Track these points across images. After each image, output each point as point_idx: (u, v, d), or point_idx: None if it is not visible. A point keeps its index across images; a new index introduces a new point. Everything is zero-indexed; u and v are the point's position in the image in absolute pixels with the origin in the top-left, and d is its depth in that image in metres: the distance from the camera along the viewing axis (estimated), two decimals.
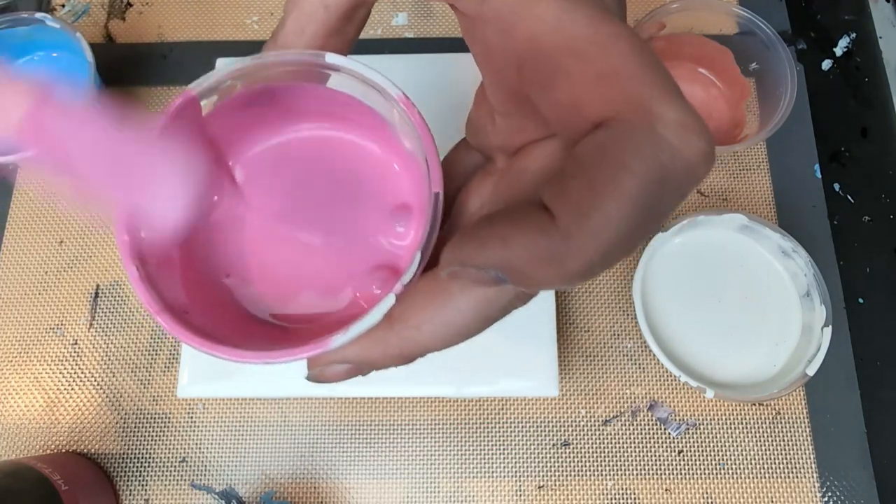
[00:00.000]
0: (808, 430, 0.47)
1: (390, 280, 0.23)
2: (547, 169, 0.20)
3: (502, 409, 0.48)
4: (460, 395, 0.45)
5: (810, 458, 0.46)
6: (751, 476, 0.46)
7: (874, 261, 0.50)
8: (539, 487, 0.46)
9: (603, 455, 0.47)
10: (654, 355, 0.44)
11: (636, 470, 0.46)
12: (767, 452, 0.46)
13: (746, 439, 0.47)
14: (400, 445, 0.47)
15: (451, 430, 0.47)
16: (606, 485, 0.46)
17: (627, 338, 0.49)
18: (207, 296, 0.24)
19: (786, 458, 0.46)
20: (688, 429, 0.47)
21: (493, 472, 0.47)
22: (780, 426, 0.47)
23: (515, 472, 0.47)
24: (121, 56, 0.57)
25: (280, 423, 0.48)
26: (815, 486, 0.46)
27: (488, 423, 0.48)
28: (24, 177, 0.54)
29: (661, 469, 0.46)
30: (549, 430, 0.47)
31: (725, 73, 0.52)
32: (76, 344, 0.50)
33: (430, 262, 0.20)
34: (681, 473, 0.46)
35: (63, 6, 0.58)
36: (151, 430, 0.48)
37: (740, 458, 0.46)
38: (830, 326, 0.44)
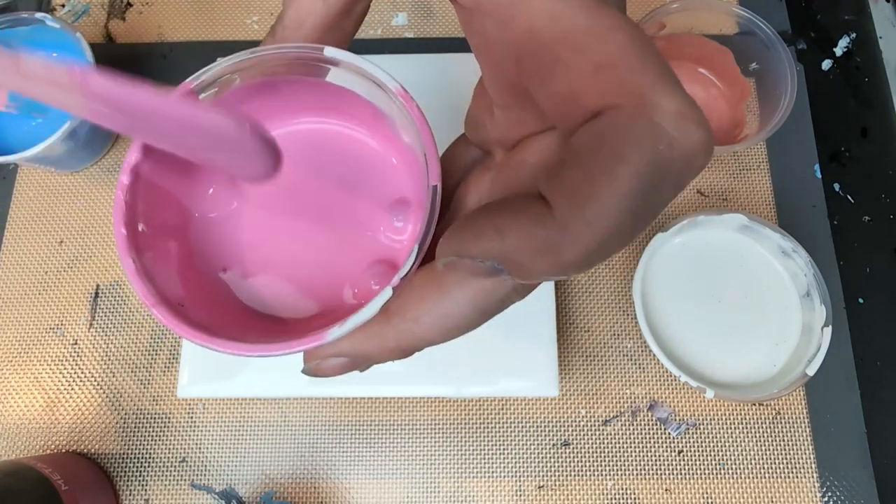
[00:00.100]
0: (808, 430, 0.47)
1: (388, 275, 0.23)
2: (545, 162, 0.20)
3: (502, 409, 0.48)
4: (460, 395, 0.45)
5: (810, 458, 0.46)
6: (751, 476, 0.46)
7: (874, 261, 0.50)
8: (539, 487, 0.46)
9: (603, 455, 0.47)
10: (654, 355, 0.44)
11: (636, 470, 0.46)
12: (767, 452, 0.46)
13: (746, 439, 0.47)
14: (400, 445, 0.47)
15: (451, 430, 0.47)
16: (606, 485, 0.46)
17: (627, 338, 0.49)
18: (204, 290, 0.24)
19: (786, 458, 0.46)
20: (688, 429, 0.47)
21: (493, 472, 0.46)
22: (780, 426, 0.47)
23: (515, 472, 0.46)
24: (121, 56, 0.57)
25: (280, 423, 0.48)
26: (815, 486, 0.46)
27: (488, 423, 0.47)
28: (24, 177, 0.54)
29: (661, 469, 0.46)
30: (549, 430, 0.47)
31: (725, 73, 0.52)
32: (76, 344, 0.50)
33: (428, 256, 0.20)
34: (681, 473, 0.46)
35: (63, 6, 0.58)
36: (151, 430, 0.48)
37: (740, 458, 0.46)
38: (830, 326, 0.44)
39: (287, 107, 0.25)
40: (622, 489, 0.46)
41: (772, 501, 0.45)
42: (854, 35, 0.56)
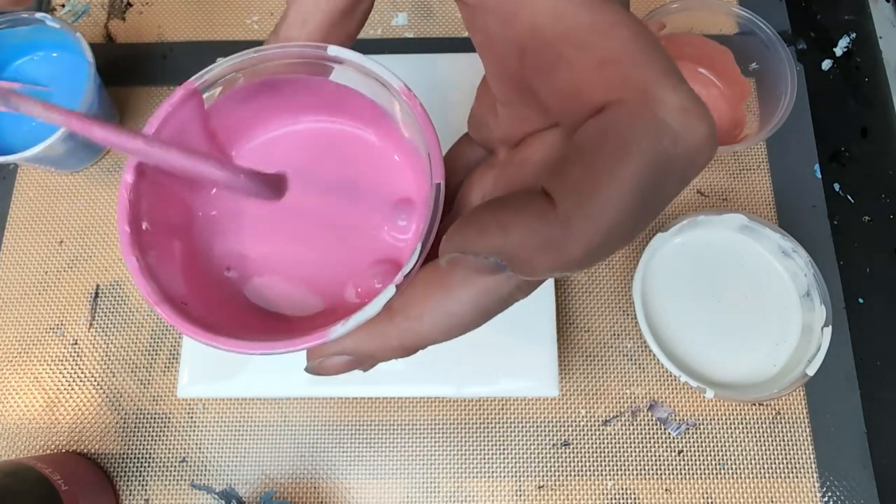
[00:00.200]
0: (808, 430, 0.47)
1: (391, 274, 0.23)
2: (548, 158, 0.20)
3: (502, 409, 0.48)
4: (460, 395, 0.45)
5: (810, 458, 0.46)
6: (751, 476, 0.46)
7: (874, 261, 0.50)
8: (539, 487, 0.46)
9: (603, 455, 0.47)
10: (654, 355, 0.44)
11: (636, 470, 0.46)
12: (767, 452, 0.46)
13: (746, 439, 0.47)
14: (400, 445, 0.47)
15: (451, 430, 0.47)
16: (606, 485, 0.46)
17: (627, 338, 0.49)
18: (208, 288, 0.24)
19: (786, 458, 0.46)
20: (688, 429, 0.47)
21: (493, 472, 0.46)
22: (780, 426, 0.47)
23: (515, 472, 0.46)
24: (121, 56, 0.57)
25: (280, 423, 0.48)
26: (815, 486, 0.46)
27: (488, 423, 0.47)
28: (24, 177, 0.54)
29: (661, 469, 0.46)
30: (549, 430, 0.47)
31: (725, 73, 0.53)
32: (76, 344, 0.50)
33: (432, 255, 0.20)
34: (681, 473, 0.46)
35: (63, 6, 0.58)
36: (151, 430, 0.48)
37: (740, 458, 0.46)
38: (830, 326, 0.44)
39: (290, 105, 0.25)
40: (622, 489, 0.46)
41: (772, 501, 0.45)
42: (854, 35, 0.56)
